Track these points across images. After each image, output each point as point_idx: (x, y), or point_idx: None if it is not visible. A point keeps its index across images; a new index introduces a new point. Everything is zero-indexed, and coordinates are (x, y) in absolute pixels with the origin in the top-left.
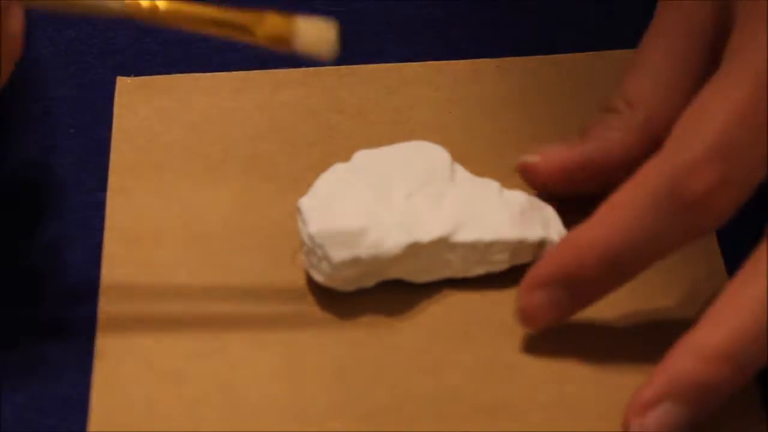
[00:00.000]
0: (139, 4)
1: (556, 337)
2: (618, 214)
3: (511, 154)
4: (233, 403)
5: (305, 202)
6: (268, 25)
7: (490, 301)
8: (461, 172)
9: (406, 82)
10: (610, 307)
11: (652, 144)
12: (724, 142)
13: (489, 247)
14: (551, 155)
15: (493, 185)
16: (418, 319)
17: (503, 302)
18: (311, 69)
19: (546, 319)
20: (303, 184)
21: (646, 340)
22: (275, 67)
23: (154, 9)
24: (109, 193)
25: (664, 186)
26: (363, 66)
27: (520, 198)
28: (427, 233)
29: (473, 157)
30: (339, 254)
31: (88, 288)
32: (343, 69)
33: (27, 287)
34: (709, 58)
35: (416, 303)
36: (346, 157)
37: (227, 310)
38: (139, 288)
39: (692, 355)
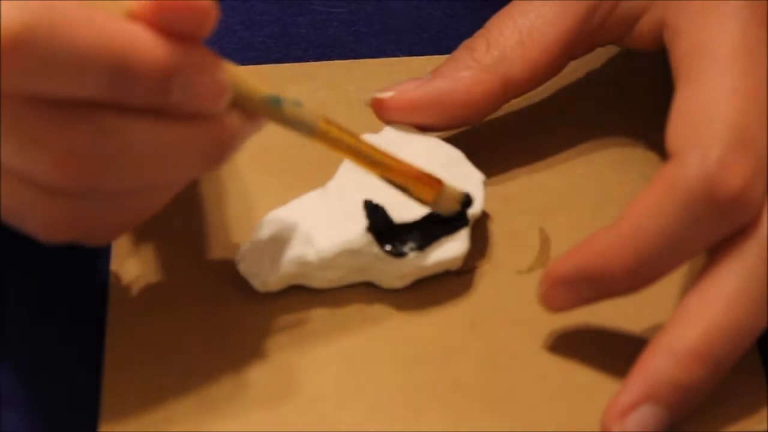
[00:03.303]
0: (329, 130)
1: (564, 328)
2: (646, 223)
3: (513, 143)
4: (243, 395)
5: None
6: (421, 191)
7: (498, 292)
8: None
9: (413, 76)
10: (618, 298)
11: (501, 85)
12: (742, 133)
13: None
14: (400, 93)
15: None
16: (426, 310)
17: (511, 293)
18: (319, 63)
19: (568, 307)
20: (310, 179)
21: (654, 332)
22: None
23: (338, 139)
24: None
25: (695, 190)
26: (370, 60)
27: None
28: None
29: (476, 148)
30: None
31: (97, 281)
32: (351, 63)
33: (36, 279)
34: (580, 28)
35: (424, 294)
36: None
37: (236, 303)
38: (148, 281)
39: (666, 356)
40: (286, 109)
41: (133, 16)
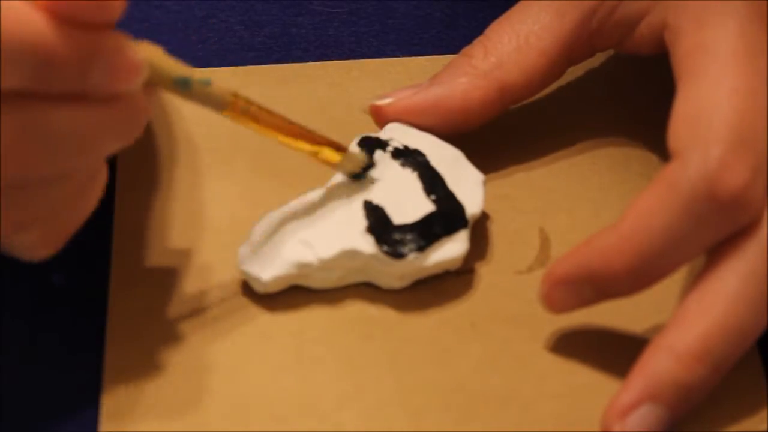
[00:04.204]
0: (238, 103)
1: (564, 328)
2: (648, 223)
3: (513, 143)
4: (243, 395)
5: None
6: (325, 154)
7: (498, 292)
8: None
9: (412, 77)
10: (619, 299)
11: (498, 90)
12: (743, 133)
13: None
14: (398, 99)
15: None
16: (426, 311)
17: (511, 293)
18: (318, 63)
19: (570, 308)
20: (309, 179)
21: (654, 332)
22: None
23: (247, 110)
24: (117, 188)
25: (697, 189)
26: (369, 60)
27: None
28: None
29: (476, 148)
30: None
31: (97, 283)
32: (351, 63)
33: (36, 279)
34: (578, 32)
35: (424, 295)
36: None
37: (236, 303)
38: (148, 282)
39: (667, 356)
40: (195, 88)
41: (35, 6)
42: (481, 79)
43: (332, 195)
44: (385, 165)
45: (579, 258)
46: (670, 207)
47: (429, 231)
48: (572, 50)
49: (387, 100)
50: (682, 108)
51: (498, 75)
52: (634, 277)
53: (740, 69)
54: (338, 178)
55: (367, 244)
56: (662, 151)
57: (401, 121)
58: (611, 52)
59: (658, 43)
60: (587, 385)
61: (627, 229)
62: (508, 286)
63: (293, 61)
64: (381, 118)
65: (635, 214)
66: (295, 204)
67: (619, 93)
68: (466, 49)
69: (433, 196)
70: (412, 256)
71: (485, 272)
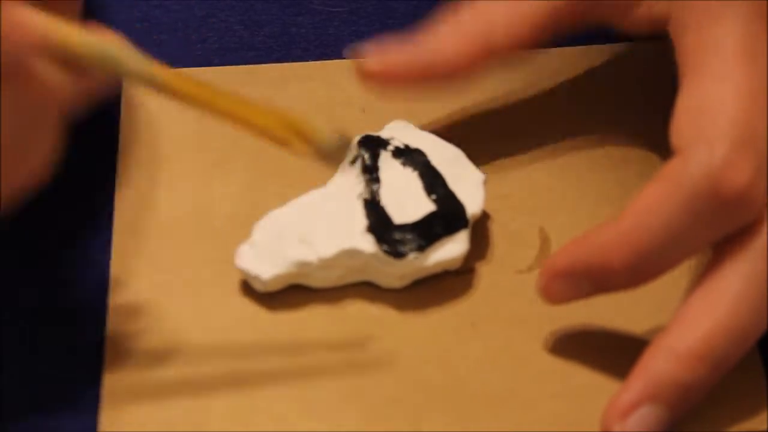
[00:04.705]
0: (174, 78)
1: (564, 328)
2: (648, 220)
3: (513, 143)
4: (243, 395)
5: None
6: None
7: (498, 292)
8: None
9: None
10: (619, 298)
11: (486, 55)
12: (747, 131)
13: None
14: (387, 59)
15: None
16: (426, 311)
17: (511, 293)
18: (318, 63)
19: (567, 300)
20: (310, 179)
21: (654, 332)
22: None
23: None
24: (117, 187)
25: (699, 187)
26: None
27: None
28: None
29: (476, 148)
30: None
31: (97, 281)
32: (350, 63)
33: (36, 279)
34: (569, 7)
35: (424, 294)
36: None
37: (236, 303)
38: (148, 281)
39: (668, 356)
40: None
41: None
42: (468, 36)
43: (333, 194)
44: (385, 164)
45: (578, 251)
46: (670, 204)
47: (429, 230)
48: (564, 14)
49: (371, 60)
50: (686, 105)
51: (484, 30)
52: (633, 272)
53: (745, 67)
54: (339, 177)
55: (367, 244)
56: (662, 151)
57: (389, 83)
58: (611, 51)
59: (654, 25)
60: (587, 385)
61: (627, 225)
62: (508, 285)
63: (293, 61)
64: (369, 80)
65: (635, 211)
66: (296, 203)
67: (619, 93)
68: (453, 8)
69: (433, 196)
70: (412, 256)
71: (485, 272)
